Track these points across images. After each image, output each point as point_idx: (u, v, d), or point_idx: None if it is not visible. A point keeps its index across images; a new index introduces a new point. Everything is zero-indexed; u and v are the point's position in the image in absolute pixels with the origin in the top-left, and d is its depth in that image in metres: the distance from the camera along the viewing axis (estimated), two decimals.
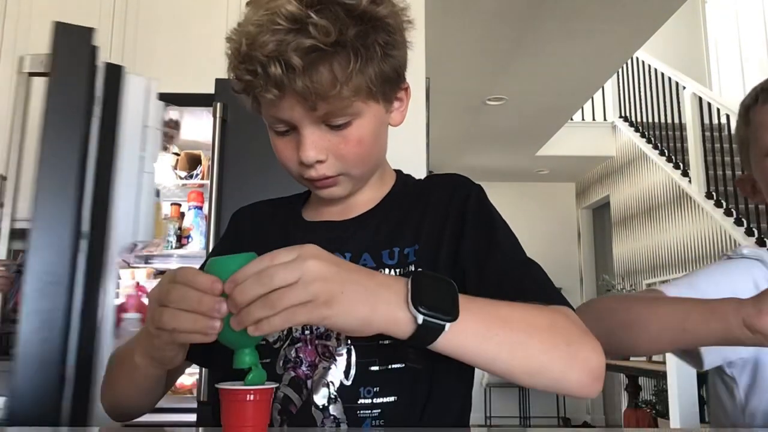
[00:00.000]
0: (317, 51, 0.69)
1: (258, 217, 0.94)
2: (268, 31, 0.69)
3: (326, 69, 0.70)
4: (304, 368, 0.77)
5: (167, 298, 0.60)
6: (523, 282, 0.76)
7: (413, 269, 0.79)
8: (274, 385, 0.61)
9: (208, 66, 2.36)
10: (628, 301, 0.91)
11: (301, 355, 0.78)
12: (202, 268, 0.67)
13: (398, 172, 0.93)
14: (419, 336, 0.62)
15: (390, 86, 0.78)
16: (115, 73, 1.77)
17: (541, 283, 0.77)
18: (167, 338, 0.62)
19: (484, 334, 0.65)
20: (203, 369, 1.90)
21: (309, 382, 0.76)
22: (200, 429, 1.52)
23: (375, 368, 0.75)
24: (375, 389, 0.75)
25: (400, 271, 0.80)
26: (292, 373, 0.78)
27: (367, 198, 0.87)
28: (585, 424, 6.98)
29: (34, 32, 2.54)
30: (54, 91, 1.66)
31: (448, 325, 0.62)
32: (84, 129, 1.66)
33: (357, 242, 0.83)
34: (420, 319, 0.61)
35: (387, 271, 0.80)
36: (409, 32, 0.80)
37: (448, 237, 0.81)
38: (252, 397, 0.59)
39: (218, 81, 2.15)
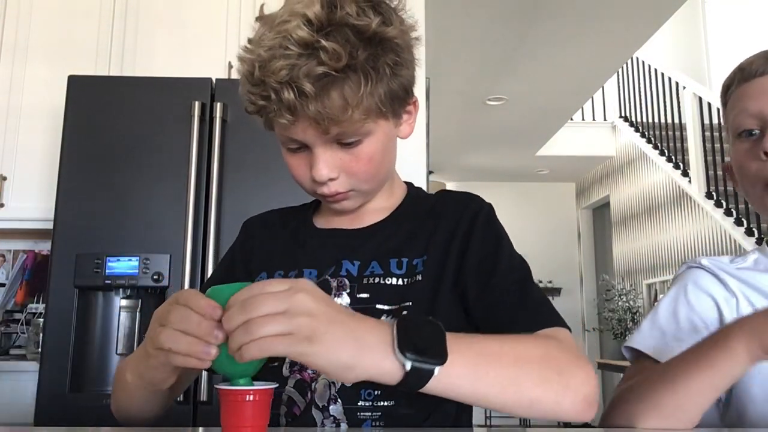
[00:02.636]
0: (328, 76, 0.69)
1: (268, 225, 0.94)
2: (280, 57, 0.70)
3: (337, 94, 0.71)
4: (309, 371, 0.78)
5: (167, 318, 0.60)
6: (520, 303, 0.77)
7: (420, 279, 0.80)
8: (274, 386, 0.61)
9: (208, 66, 2.37)
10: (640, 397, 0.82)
11: None
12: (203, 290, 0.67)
13: (409, 184, 0.94)
14: (408, 382, 0.60)
15: (399, 103, 0.79)
16: None
17: (538, 304, 0.78)
18: (163, 359, 0.61)
19: (474, 374, 0.64)
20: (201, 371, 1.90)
21: (314, 385, 0.77)
22: (200, 429, 1.52)
23: None
24: (375, 392, 0.76)
25: (407, 281, 0.80)
26: (298, 376, 0.79)
27: (378, 207, 0.88)
28: (585, 424, 6.97)
29: (34, 32, 2.54)
30: None
31: (437, 368, 0.60)
32: None
33: (366, 251, 0.84)
34: (408, 365, 0.59)
35: (394, 280, 0.81)
36: (417, 49, 0.81)
37: (454, 251, 0.81)
38: (251, 398, 0.59)
39: (218, 81, 2.16)
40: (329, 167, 0.77)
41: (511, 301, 0.76)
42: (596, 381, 0.69)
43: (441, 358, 0.61)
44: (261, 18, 0.77)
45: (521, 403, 0.66)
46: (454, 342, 0.63)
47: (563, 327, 0.75)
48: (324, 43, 0.69)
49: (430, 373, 0.60)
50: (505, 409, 0.66)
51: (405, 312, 0.78)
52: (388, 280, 0.81)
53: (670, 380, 0.78)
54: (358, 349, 0.59)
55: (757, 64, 0.92)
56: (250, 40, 0.75)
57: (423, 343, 0.61)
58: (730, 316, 0.91)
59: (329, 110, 0.71)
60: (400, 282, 0.80)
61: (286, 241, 0.90)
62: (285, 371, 0.79)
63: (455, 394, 0.64)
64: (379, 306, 0.79)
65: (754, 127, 0.90)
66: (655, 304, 1.00)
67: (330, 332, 0.58)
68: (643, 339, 0.94)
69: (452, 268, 0.80)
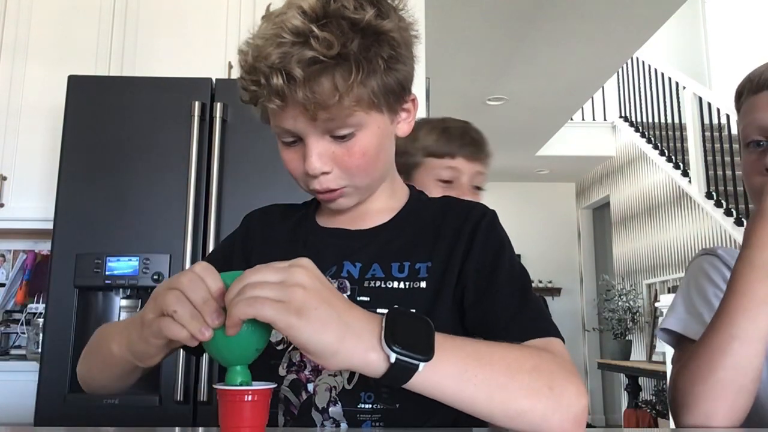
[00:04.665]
0: (318, 63, 0.70)
1: (269, 220, 0.93)
2: (273, 44, 0.71)
3: (327, 80, 0.71)
4: (306, 372, 0.78)
5: (178, 282, 0.60)
6: (516, 311, 0.76)
7: (424, 285, 0.80)
8: (272, 386, 0.61)
9: (208, 66, 2.38)
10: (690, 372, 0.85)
11: (305, 359, 0.79)
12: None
13: (411, 187, 0.94)
14: (392, 375, 0.60)
15: (394, 98, 0.79)
16: None
17: (534, 313, 0.77)
18: (156, 328, 0.61)
19: (461, 375, 0.62)
20: (200, 370, 1.91)
21: (310, 386, 0.78)
22: (200, 429, 1.53)
23: None
24: (376, 395, 0.76)
25: (409, 285, 0.80)
26: (294, 376, 0.79)
27: (380, 207, 0.87)
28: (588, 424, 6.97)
29: (34, 32, 2.54)
30: None
31: (422, 364, 0.59)
32: None
33: (368, 253, 0.83)
34: (392, 357, 0.58)
35: (396, 284, 0.80)
36: (416, 47, 0.81)
37: (457, 258, 0.81)
38: (250, 398, 0.58)
39: (218, 81, 2.16)
40: (322, 160, 0.76)
41: (508, 308, 0.76)
42: (586, 400, 0.67)
43: (427, 354, 0.60)
44: (264, 16, 0.78)
45: (508, 412, 0.64)
46: (444, 341, 0.62)
47: (558, 338, 0.74)
48: (317, 31, 0.70)
49: (415, 368, 0.59)
50: (490, 417, 0.64)
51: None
52: (390, 284, 0.80)
53: (721, 337, 0.81)
54: (344, 333, 0.58)
55: (766, 76, 0.93)
56: (252, 35, 0.76)
57: (410, 338, 0.60)
58: None
59: (317, 95, 0.71)
60: (401, 285, 0.80)
61: (287, 237, 0.89)
62: (282, 371, 0.79)
63: (440, 394, 0.63)
64: (379, 310, 0.79)
65: (761, 139, 0.93)
66: (680, 287, 1.03)
67: (320, 309, 0.58)
68: (681, 322, 0.96)
69: (454, 274, 0.80)
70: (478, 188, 1.35)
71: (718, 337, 0.81)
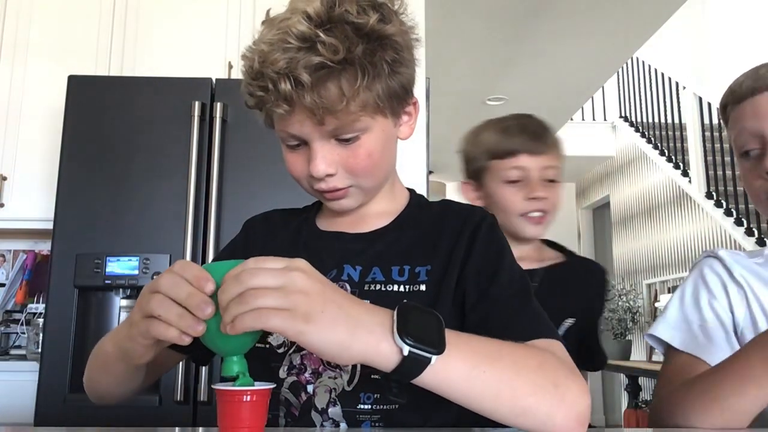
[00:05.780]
0: (325, 68, 0.71)
1: (270, 225, 0.94)
2: (279, 50, 0.71)
3: (334, 85, 0.72)
4: (307, 375, 0.78)
5: (159, 284, 0.61)
6: (516, 313, 0.77)
7: (424, 289, 0.80)
8: (271, 386, 0.61)
9: (208, 66, 2.38)
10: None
11: (306, 362, 0.79)
12: None
13: (411, 191, 0.94)
14: (404, 368, 0.60)
15: (398, 101, 0.79)
16: None
17: (534, 315, 0.77)
18: (144, 328, 0.61)
19: (470, 371, 0.62)
20: (200, 370, 1.91)
21: (310, 387, 0.78)
22: (200, 429, 1.53)
23: (376, 376, 0.76)
24: (375, 396, 0.76)
25: (409, 288, 0.80)
26: (294, 378, 0.79)
27: (380, 210, 0.88)
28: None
29: (34, 32, 2.54)
30: None
31: (434, 357, 0.59)
32: None
33: (368, 256, 0.84)
34: (406, 350, 0.58)
35: (396, 287, 0.80)
36: (417, 50, 0.82)
37: (456, 263, 0.81)
38: (248, 398, 0.59)
39: (218, 81, 2.16)
40: (327, 163, 0.77)
41: (508, 311, 0.76)
42: (589, 399, 0.67)
43: (439, 347, 0.60)
44: (265, 21, 0.78)
45: (514, 410, 0.64)
46: (454, 336, 0.63)
47: (558, 340, 0.75)
48: (323, 36, 0.70)
49: (427, 361, 0.59)
50: (495, 413, 0.64)
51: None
52: (390, 287, 0.80)
53: (715, 397, 0.82)
54: (353, 328, 0.59)
55: (746, 85, 0.96)
56: (254, 41, 0.77)
57: (422, 331, 0.60)
58: (738, 308, 0.96)
59: (325, 100, 0.71)
60: (401, 289, 0.80)
61: (288, 242, 0.89)
62: (282, 373, 0.79)
63: (448, 389, 0.63)
64: None
65: (754, 146, 0.95)
66: (677, 290, 1.04)
67: (326, 311, 0.58)
68: (669, 330, 0.98)
69: (454, 278, 0.80)
70: (553, 181, 1.29)
71: (703, 398, 0.83)
